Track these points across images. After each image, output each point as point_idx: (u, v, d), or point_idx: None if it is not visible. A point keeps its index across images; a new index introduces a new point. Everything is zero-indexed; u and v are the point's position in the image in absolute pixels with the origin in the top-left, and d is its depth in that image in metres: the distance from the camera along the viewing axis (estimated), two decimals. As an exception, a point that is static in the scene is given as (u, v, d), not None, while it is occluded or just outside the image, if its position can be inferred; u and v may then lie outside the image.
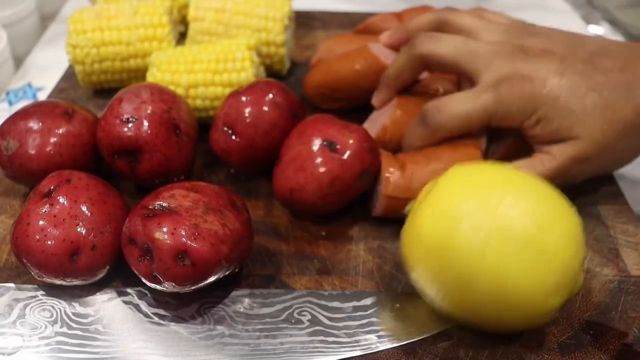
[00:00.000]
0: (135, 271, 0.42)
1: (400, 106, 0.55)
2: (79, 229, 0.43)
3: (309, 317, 0.44)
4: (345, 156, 0.47)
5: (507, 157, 0.51)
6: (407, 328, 0.43)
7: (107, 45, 0.62)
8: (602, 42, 0.52)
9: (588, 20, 0.92)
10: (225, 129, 0.53)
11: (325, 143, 0.48)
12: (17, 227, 0.43)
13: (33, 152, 0.49)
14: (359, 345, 0.42)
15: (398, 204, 0.47)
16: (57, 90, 0.69)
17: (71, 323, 0.43)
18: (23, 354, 0.42)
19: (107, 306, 0.45)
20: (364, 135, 0.49)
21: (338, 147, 0.48)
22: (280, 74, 0.70)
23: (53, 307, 0.44)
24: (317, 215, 0.52)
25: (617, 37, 0.88)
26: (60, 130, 0.50)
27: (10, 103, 0.69)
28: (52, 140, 0.49)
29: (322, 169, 0.47)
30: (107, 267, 0.44)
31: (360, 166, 0.47)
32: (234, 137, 0.52)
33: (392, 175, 0.48)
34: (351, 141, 0.48)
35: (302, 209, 0.50)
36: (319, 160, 0.47)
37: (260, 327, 0.43)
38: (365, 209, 0.53)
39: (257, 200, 0.55)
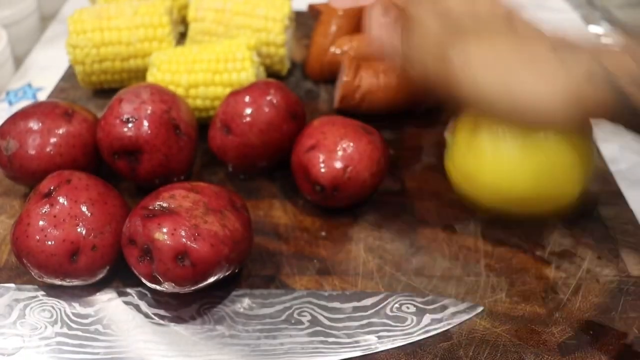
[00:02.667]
0: (135, 272, 0.42)
1: (350, 64, 0.63)
2: (79, 229, 0.43)
3: (309, 317, 0.44)
4: (380, 139, 0.52)
5: None
6: (407, 328, 0.43)
7: (107, 46, 0.62)
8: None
9: (588, 20, 0.92)
10: (222, 126, 0.53)
11: (364, 129, 0.52)
12: (17, 228, 0.43)
13: (33, 152, 0.49)
14: (359, 346, 0.42)
15: (349, 101, 0.62)
16: (57, 90, 0.69)
17: (71, 323, 0.43)
18: (23, 355, 0.42)
19: (107, 306, 0.45)
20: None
21: (371, 129, 0.53)
22: (280, 74, 0.70)
23: (53, 307, 0.44)
24: (349, 203, 0.52)
25: (617, 37, 0.88)
26: (60, 131, 0.50)
27: (10, 103, 0.69)
28: (52, 140, 0.49)
29: (370, 146, 0.50)
30: (107, 267, 0.44)
31: (386, 149, 0.53)
32: (229, 135, 0.52)
33: (347, 77, 0.62)
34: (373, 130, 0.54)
35: (346, 193, 0.50)
36: (365, 140, 0.51)
37: (260, 327, 0.44)
38: (365, 209, 0.53)
39: (257, 200, 0.55)
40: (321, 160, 0.49)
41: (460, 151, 0.48)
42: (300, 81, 0.71)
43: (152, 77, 0.59)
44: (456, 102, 0.44)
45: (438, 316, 0.44)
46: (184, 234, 0.40)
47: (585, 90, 0.38)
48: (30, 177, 0.49)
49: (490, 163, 0.45)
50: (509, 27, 0.43)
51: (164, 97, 0.51)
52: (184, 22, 0.75)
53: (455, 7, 0.44)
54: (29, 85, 0.72)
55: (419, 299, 0.45)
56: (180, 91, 0.58)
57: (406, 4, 0.46)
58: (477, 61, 0.41)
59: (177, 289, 0.41)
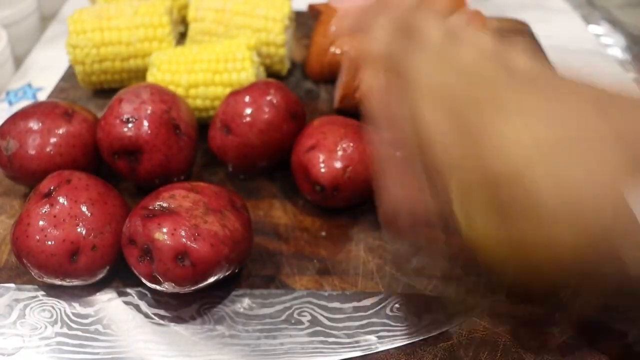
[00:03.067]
0: (135, 272, 0.42)
1: (348, 67, 0.62)
2: (79, 229, 0.43)
3: (309, 317, 0.44)
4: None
5: None
6: (407, 329, 0.43)
7: (107, 46, 0.62)
8: None
9: (588, 20, 0.92)
10: (222, 126, 0.53)
11: (362, 128, 0.51)
12: (17, 228, 0.43)
13: (33, 152, 0.49)
14: (359, 346, 0.42)
15: (349, 101, 0.61)
16: (57, 90, 0.69)
17: (71, 323, 0.43)
18: (23, 355, 0.42)
19: (107, 306, 0.45)
20: None
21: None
22: (280, 74, 0.70)
23: (53, 307, 0.44)
24: (349, 203, 0.52)
25: (617, 37, 0.89)
26: (60, 131, 0.50)
27: (10, 103, 0.69)
28: (52, 140, 0.49)
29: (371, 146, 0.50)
30: (107, 267, 0.44)
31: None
32: (229, 135, 0.52)
33: (347, 78, 0.61)
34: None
35: (346, 193, 0.50)
36: (365, 140, 0.50)
37: (260, 327, 0.44)
38: (365, 209, 0.53)
39: (257, 200, 0.55)
40: (321, 160, 0.49)
41: None
42: (300, 81, 0.71)
43: (152, 77, 0.59)
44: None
45: (438, 316, 0.44)
46: (184, 234, 0.40)
47: None
48: (30, 177, 0.49)
49: None
50: (515, 75, 0.33)
51: (164, 97, 0.51)
52: (184, 22, 0.75)
53: (440, 80, 0.34)
54: (29, 85, 0.72)
55: (419, 299, 0.45)
56: (180, 91, 0.58)
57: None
58: (516, 146, 0.30)
59: (177, 289, 0.41)
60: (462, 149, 0.32)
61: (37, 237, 0.42)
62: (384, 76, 0.37)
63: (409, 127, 0.35)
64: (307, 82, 0.71)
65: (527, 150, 0.30)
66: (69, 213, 0.43)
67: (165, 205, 0.42)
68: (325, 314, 0.44)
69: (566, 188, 0.29)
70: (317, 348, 0.42)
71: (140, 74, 0.65)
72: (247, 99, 0.52)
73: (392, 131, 0.37)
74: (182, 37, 0.73)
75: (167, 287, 0.41)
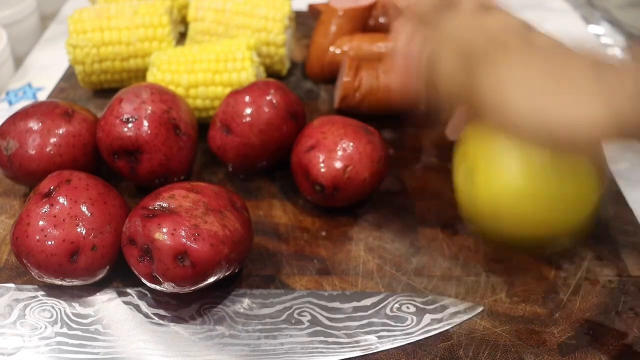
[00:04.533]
0: (135, 271, 0.42)
1: (350, 64, 0.63)
2: (78, 229, 0.43)
3: (309, 317, 0.44)
4: (380, 139, 0.52)
5: None
6: (407, 328, 0.43)
7: (107, 45, 0.62)
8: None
9: (588, 20, 0.92)
10: (222, 126, 0.53)
11: (364, 129, 0.52)
12: (17, 228, 0.43)
13: (33, 152, 0.49)
14: (359, 346, 0.42)
15: (349, 101, 0.62)
16: (57, 90, 0.69)
17: (71, 323, 0.43)
18: (23, 355, 0.42)
19: (107, 306, 0.45)
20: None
21: (371, 129, 0.53)
22: (280, 74, 0.70)
23: (53, 307, 0.44)
24: (349, 203, 0.52)
25: (617, 37, 0.88)
26: (60, 131, 0.50)
27: (10, 103, 0.69)
28: (52, 140, 0.49)
29: (370, 146, 0.51)
30: (107, 267, 0.44)
31: (386, 149, 0.53)
32: (229, 135, 0.52)
33: (347, 78, 0.62)
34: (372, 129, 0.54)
35: (346, 193, 0.50)
36: (365, 140, 0.50)
37: (260, 327, 0.44)
38: (365, 209, 0.53)
39: (257, 200, 0.55)
40: (321, 160, 0.49)
41: (481, 174, 0.43)
42: (300, 81, 0.71)
43: (152, 77, 0.59)
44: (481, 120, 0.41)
45: (438, 316, 0.44)
46: (183, 234, 0.40)
47: (627, 113, 0.34)
48: (30, 177, 0.49)
49: (510, 186, 0.41)
50: (529, 43, 0.39)
51: (164, 97, 0.51)
52: (184, 22, 0.75)
53: (464, 34, 0.40)
54: (29, 85, 0.72)
55: (419, 299, 0.45)
56: (180, 91, 0.58)
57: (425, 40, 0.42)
58: (509, 84, 0.37)
59: (177, 289, 0.41)
60: (463, 79, 0.39)
61: (37, 237, 0.42)
62: (416, 25, 0.43)
63: (425, 60, 0.42)
64: (307, 82, 0.71)
65: (519, 85, 0.37)
66: (69, 213, 0.43)
67: (165, 205, 0.42)
68: (325, 314, 0.44)
69: (548, 117, 0.35)
70: (317, 348, 0.42)
71: (140, 74, 0.65)
72: (247, 99, 0.52)
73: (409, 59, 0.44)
74: (182, 37, 0.73)
75: (167, 287, 0.41)
